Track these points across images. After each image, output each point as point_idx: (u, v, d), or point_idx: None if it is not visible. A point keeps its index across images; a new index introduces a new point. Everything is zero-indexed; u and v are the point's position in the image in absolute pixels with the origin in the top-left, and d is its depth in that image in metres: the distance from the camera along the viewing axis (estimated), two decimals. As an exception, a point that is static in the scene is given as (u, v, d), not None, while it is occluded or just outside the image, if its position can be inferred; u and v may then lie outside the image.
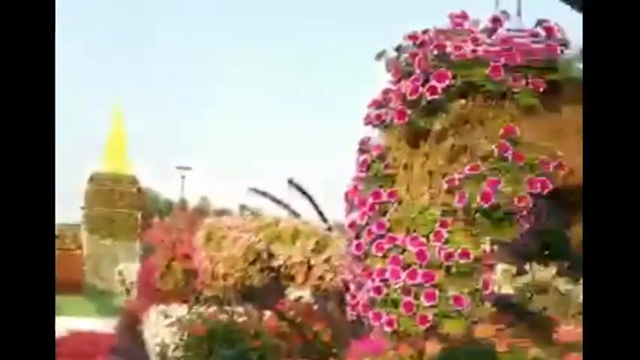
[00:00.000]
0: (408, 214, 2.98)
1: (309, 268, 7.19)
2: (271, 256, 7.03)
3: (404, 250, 2.93)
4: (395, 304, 2.91)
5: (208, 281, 7.83)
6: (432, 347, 3.08)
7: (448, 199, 2.94)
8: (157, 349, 10.37)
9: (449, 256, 2.86)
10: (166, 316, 10.64)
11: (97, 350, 17.80)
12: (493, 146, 2.89)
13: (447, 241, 2.88)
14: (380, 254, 2.97)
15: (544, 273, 6.36)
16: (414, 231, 2.95)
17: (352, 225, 3.15)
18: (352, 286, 3.18)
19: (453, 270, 2.88)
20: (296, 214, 8.66)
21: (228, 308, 8.87)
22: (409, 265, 2.89)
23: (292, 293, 9.15)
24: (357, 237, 3.12)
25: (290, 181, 9.41)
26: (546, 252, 5.37)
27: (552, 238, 5.02)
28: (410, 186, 3.04)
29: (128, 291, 20.21)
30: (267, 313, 9.83)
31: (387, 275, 2.90)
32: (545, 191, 2.86)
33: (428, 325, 2.88)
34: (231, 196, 17.49)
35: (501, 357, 4.28)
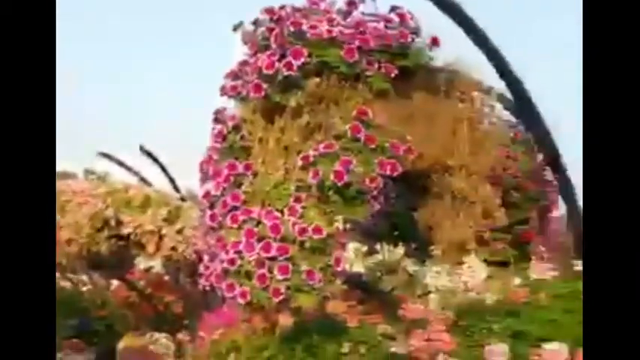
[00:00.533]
0: (263, 188, 3.08)
1: (161, 237, 7.15)
2: (120, 223, 6.93)
3: (258, 223, 3.04)
4: (249, 276, 3.01)
5: None
6: (285, 320, 3.21)
7: (302, 175, 3.06)
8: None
9: (302, 231, 2.99)
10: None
11: None
12: (346, 127, 3.04)
13: (301, 217, 3.01)
14: (235, 226, 3.05)
15: (393, 254, 6.69)
16: (269, 205, 3.06)
17: (206, 195, 3.20)
18: (206, 257, 3.24)
19: (307, 245, 3.01)
20: (147, 182, 8.58)
21: (72, 276, 8.68)
22: (263, 238, 3.00)
23: (142, 263, 9.06)
24: (212, 207, 3.18)
25: (141, 148, 9.26)
26: (395, 233, 5.68)
27: (400, 220, 5.31)
28: (265, 160, 3.14)
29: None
30: (115, 282, 9.69)
31: (242, 247, 2.99)
32: (395, 174, 3.05)
33: (281, 298, 2.99)
34: (76, 159, 16.75)
35: (352, 332, 4.53)
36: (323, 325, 4.49)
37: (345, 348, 4.39)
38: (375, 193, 3.08)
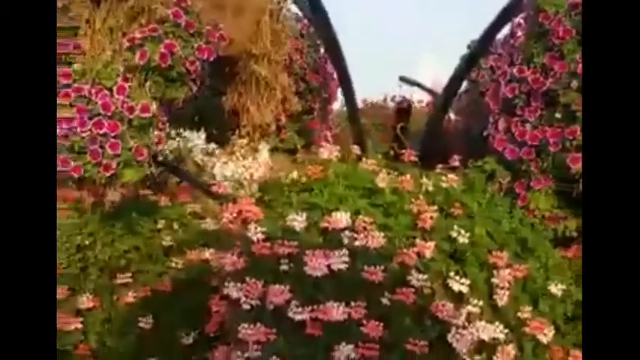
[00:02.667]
0: (92, 67, 3.28)
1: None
2: None
3: (89, 101, 3.25)
4: (81, 151, 3.24)
5: None
6: (113, 195, 3.46)
7: (129, 55, 3.30)
8: None
9: (131, 109, 3.25)
10: None
11: None
12: (168, 11, 3.30)
13: (128, 96, 3.27)
14: (66, 103, 3.25)
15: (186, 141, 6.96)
16: (99, 83, 3.28)
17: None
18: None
19: (135, 123, 3.28)
20: None
21: None
22: (95, 116, 3.23)
23: None
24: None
25: None
26: (196, 118, 5.97)
27: (206, 105, 5.60)
28: (92, 40, 3.33)
29: None
30: None
31: (75, 124, 3.20)
32: (211, 58, 3.38)
33: (111, 172, 3.26)
34: None
35: (165, 210, 4.88)
36: (139, 204, 4.80)
37: (160, 224, 4.75)
38: (193, 75, 3.38)
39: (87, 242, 4.56)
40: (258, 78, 4.64)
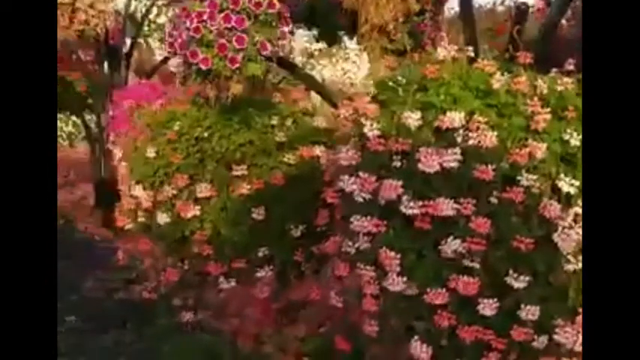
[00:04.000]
0: (223, -38, 3.47)
1: (74, 11, 7.28)
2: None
3: (218, -4, 3.46)
4: (209, 45, 3.47)
5: None
6: (236, 87, 3.70)
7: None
8: None
9: (258, 5, 3.45)
10: None
11: None
12: None
13: (255, -10, 3.45)
14: (198, -2, 3.47)
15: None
16: (229, -22, 3.47)
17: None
18: (169, 25, 3.65)
19: (261, 18, 3.47)
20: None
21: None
22: (224, 10, 3.44)
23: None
24: (177, -21, 3.58)
25: None
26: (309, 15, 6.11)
27: (320, 4, 5.74)
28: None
29: None
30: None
31: (205, 17, 3.43)
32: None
33: (236, 66, 3.49)
34: None
35: (279, 107, 5.12)
36: (255, 101, 5.06)
37: (275, 120, 5.01)
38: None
39: (205, 134, 4.87)
40: (377, -22, 4.74)
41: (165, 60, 9.33)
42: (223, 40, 3.45)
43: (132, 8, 9.71)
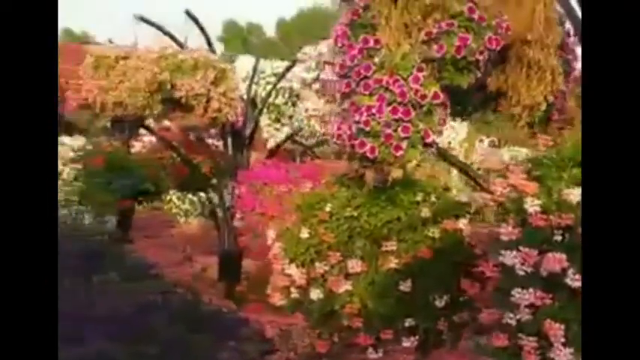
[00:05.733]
0: (391, 59, 3.79)
1: (208, 100, 7.78)
2: (173, 87, 7.55)
3: (387, 90, 3.77)
4: (377, 135, 3.76)
5: (98, 111, 8.09)
6: (397, 172, 3.94)
7: (424, 48, 3.77)
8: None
9: (423, 97, 3.73)
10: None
11: None
12: (463, 7, 3.75)
13: (421, 84, 3.75)
14: (366, 93, 3.79)
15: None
16: (396, 74, 3.78)
17: (341, 67, 3.91)
18: (336, 119, 3.97)
19: (425, 108, 3.75)
20: (181, 45, 9.10)
21: (118, 135, 9.37)
22: (391, 103, 3.74)
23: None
24: (345, 77, 3.91)
25: (187, 12, 9.67)
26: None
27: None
28: (390, 35, 3.83)
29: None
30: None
31: (374, 110, 3.73)
32: (498, 47, 3.79)
33: (400, 153, 3.76)
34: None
35: (421, 184, 5.36)
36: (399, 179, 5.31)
37: (419, 197, 5.24)
38: (480, 64, 3.81)
39: (355, 213, 5.14)
40: (529, 61, 4.97)
41: (286, 140, 9.80)
42: (390, 131, 3.72)
43: (252, 93, 10.22)
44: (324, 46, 12.58)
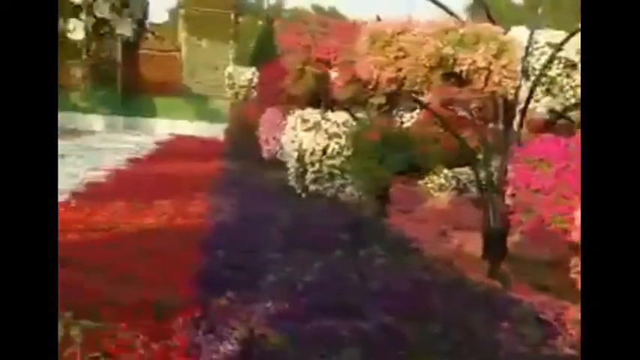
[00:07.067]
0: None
1: (489, 73, 7.53)
2: (454, 61, 7.38)
3: None
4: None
5: (372, 87, 8.12)
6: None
7: None
8: (295, 154, 11.13)
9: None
10: (304, 121, 11.28)
11: (206, 153, 18.79)
12: None
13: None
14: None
15: None
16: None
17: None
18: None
19: None
20: (456, 16, 8.90)
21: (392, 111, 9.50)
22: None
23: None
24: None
25: None
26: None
27: None
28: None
29: (237, 95, 20.86)
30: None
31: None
32: None
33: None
34: None
35: None
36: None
37: None
38: None
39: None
40: None
41: (564, 112, 9.32)
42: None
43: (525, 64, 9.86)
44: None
